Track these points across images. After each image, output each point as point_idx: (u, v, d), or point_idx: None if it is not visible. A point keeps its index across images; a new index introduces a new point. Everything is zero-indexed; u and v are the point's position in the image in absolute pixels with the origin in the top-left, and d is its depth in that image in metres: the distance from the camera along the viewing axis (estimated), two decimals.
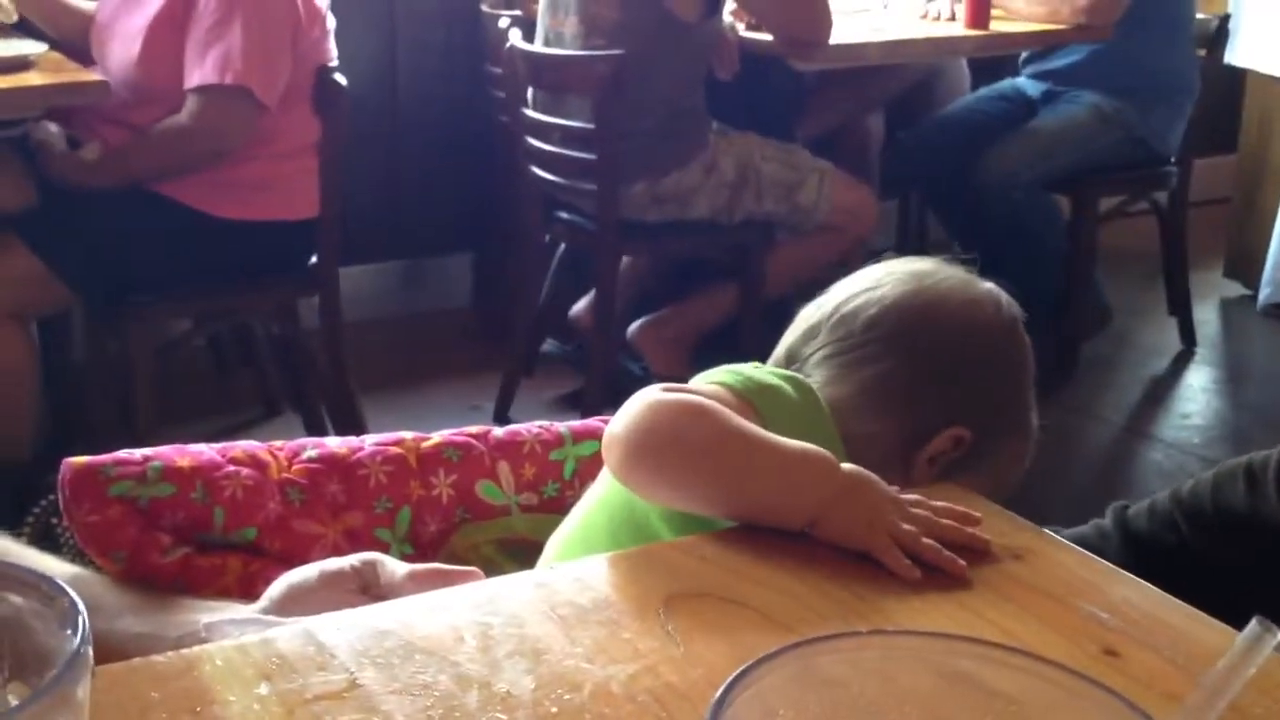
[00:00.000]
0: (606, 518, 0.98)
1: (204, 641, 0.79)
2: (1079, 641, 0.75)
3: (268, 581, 0.93)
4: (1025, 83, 3.51)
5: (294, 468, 1.06)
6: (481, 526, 1.09)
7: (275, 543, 1.02)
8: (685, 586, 0.80)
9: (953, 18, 3.21)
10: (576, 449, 1.12)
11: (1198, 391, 3.38)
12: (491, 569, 0.94)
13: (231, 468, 1.03)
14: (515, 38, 2.87)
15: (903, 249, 3.91)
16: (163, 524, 1.00)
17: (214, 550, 1.01)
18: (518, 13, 3.13)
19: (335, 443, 1.09)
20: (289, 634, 0.74)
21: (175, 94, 2.41)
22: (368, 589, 0.89)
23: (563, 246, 3.12)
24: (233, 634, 0.79)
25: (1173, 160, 3.39)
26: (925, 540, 0.83)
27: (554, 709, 0.68)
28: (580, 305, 3.12)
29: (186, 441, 1.07)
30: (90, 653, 0.47)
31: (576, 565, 0.84)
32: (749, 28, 2.99)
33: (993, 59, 3.61)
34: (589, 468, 1.09)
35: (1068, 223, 3.37)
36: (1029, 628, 0.76)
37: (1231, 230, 3.98)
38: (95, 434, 2.59)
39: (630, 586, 0.81)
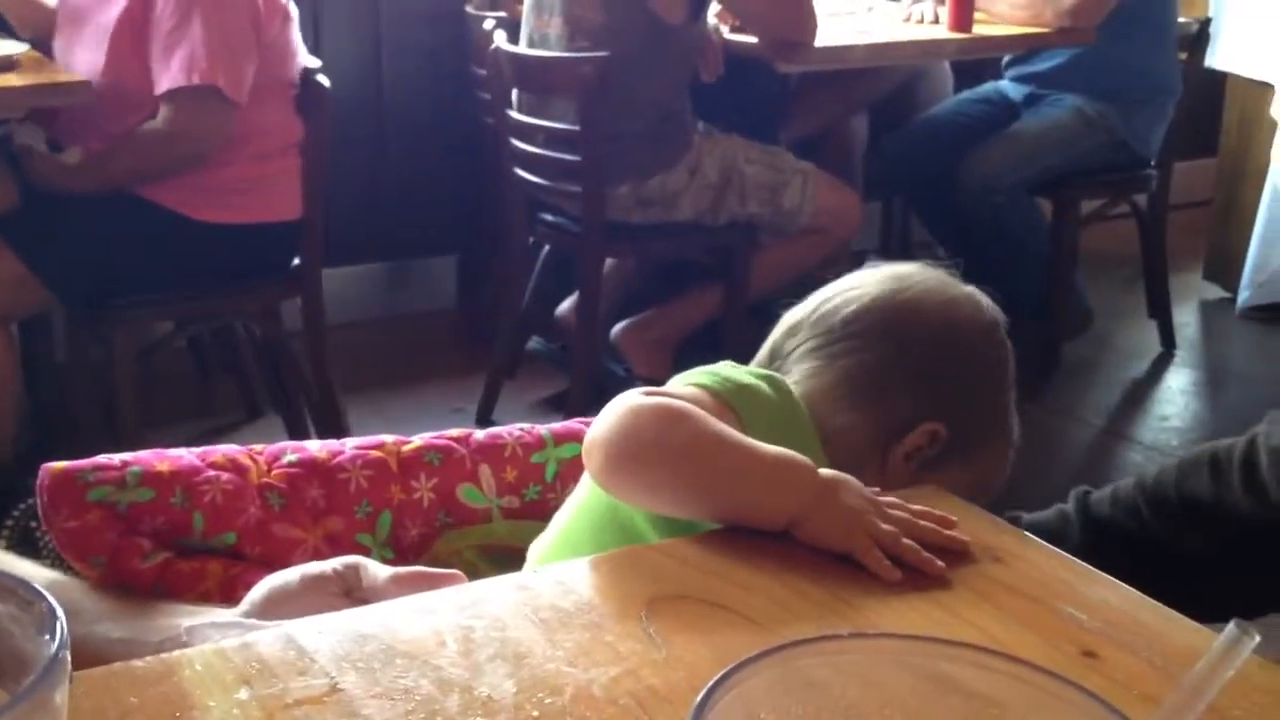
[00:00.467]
0: (589, 522, 0.98)
1: (185, 645, 0.78)
2: (1057, 643, 0.75)
3: (248, 586, 0.92)
4: (1008, 86, 3.53)
5: (274, 472, 1.05)
6: (464, 532, 1.09)
7: (255, 548, 1.02)
8: (667, 589, 0.80)
9: (936, 21, 3.23)
10: (558, 451, 1.12)
11: (1177, 394, 3.40)
12: (474, 575, 0.94)
13: (211, 472, 1.02)
14: (500, 39, 2.87)
15: (886, 251, 3.92)
16: (142, 529, 0.99)
17: (194, 555, 1.01)
18: (502, 14, 3.14)
19: (315, 447, 1.09)
20: (270, 638, 0.74)
21: (148, 101, 2.39)
22: (350, 592, 0.89)
23: (547, 248, 3.12)
24: (214, 638, 0.78)
25: (1153, 163, 3.40)
26: (905, 541, 0.83)
27: (535, 713, 0.68)
28: (564, 306, 3.12)
29: (169, 444, 1.06)
30: (68, 658, 0.47)
31: (558, 568, 0.84)
32: (734, 30, 3.00)
33: (975, 62, 3.62)
34: (570, 470, 1.09)
35: (1049, 225, 3.38)
36: (1008, 629, 0.76)
37: (1211, 233, 4.00)
38: (77, 436, 2.58)
39: (612, 589, 0.81)
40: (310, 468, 1.06)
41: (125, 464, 1.01)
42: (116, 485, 0.99)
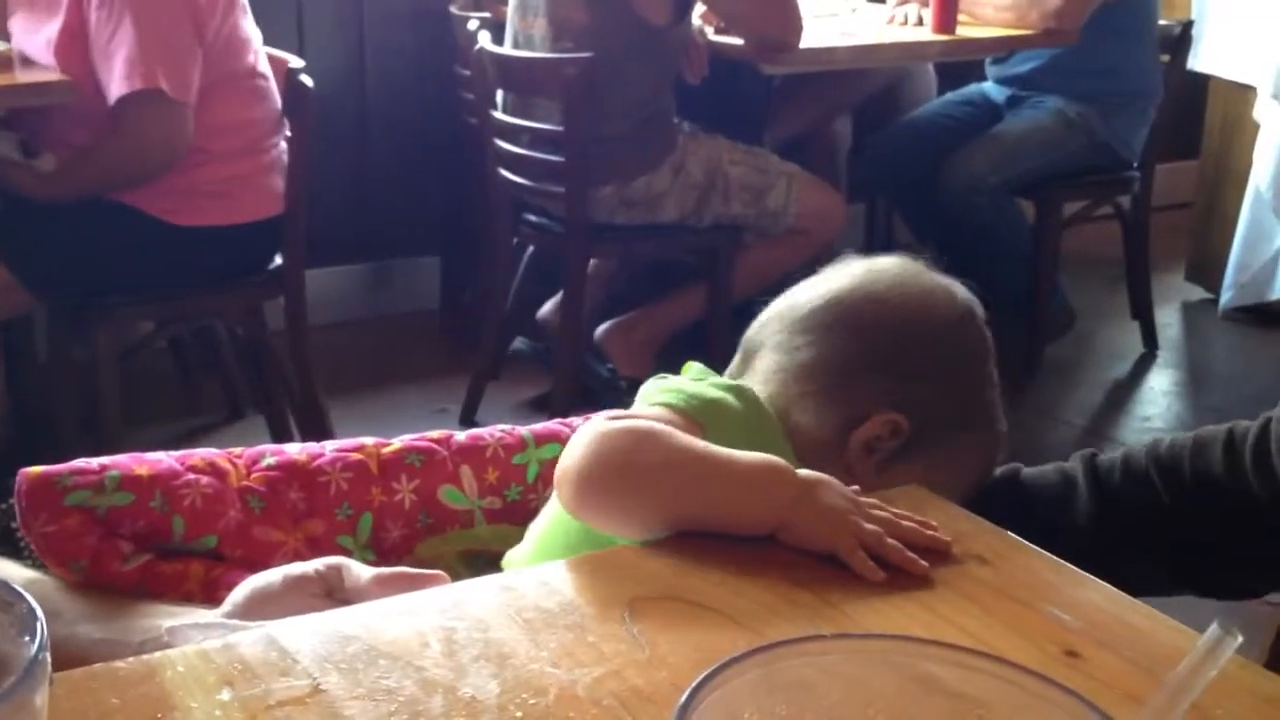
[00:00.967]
0: (564, 537, 0.97)
1: (166, 646, 0.78)
2: (1041, 643, 0.75)
3: (230, 587, 0.92)
4: (990, 88, 3.54)
5: (253, 475, 1.05)
6: (446, 538, 1.08)
7: (236, 551, 1.02)
8: (650, 590, 0.80)
9: (920, 23, 3.24)
10: (539, 452, 1.12)
11: (1159, 394, 3.41)
12: (457, 580, 0.94)
13: (190, 476, 1.02)
14: (484, 40, 2.87)
15: (870, 252, 3.92)
16: (122, 533, 0.99)
17: (176, 556, 1.00)
18: (487, 15, 3.13)
19: (295, 449, 1.08)
20: (251, 639, 0.74)
21: (106, 110, 2.33)
22: (332, 593, 0.89)
23: (531, 249, 3.12)
24: (196, 638, 0.78)
25: (1136, 165, 3.42)
26: (889, 540, 0.83)
27: (519, 713, 0.68)
28: (548, 307, 3.11)
29: (151, 444, 1.06)
30: (48, 659, 0.47)
31: (542, 569, 0.84)
32: (718, 32, 3.00)
33: (959, 64, 3.63)
34: (552, 471, 1.08)
35: (1031, 227, 3.39)
36: (992, 629, 0.77)
37: (1194, 235, 4.02)
38: (59, 436, 2.56)
39: (595, 590, 0.81)
40: (290, 471, 1.06)
41: (104, 468, 1.00)
42: (95, 489, 0.98)
